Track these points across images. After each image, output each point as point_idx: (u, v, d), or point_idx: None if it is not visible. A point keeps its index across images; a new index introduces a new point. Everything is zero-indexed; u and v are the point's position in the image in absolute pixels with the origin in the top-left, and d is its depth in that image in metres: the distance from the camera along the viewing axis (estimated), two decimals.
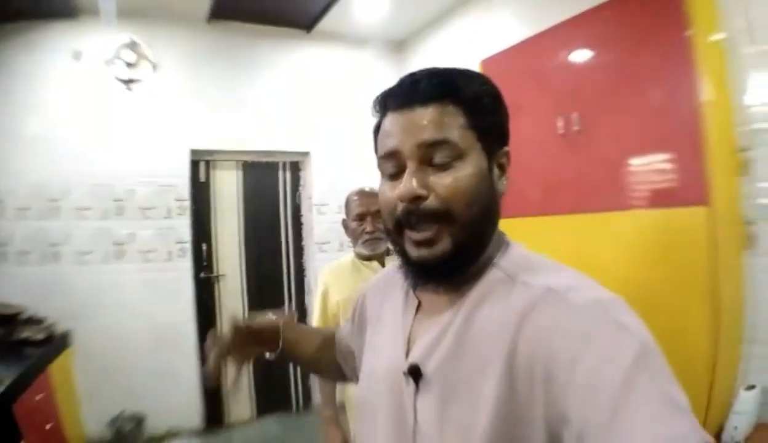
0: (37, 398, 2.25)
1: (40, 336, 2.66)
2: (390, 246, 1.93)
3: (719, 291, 1.66)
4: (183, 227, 3.39)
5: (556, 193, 2.17)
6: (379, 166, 0.72)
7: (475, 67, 2.62)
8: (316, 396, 3.85)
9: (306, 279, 3.98)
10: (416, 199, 0.65)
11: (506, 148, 0.72)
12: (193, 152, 3.49)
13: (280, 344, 0.93)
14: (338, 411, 1.90)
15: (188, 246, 3.41)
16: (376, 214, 1.84)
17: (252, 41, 3.75)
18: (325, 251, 3.94)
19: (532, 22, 2.79)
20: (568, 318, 0.56)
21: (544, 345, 0.57)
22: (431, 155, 0.65)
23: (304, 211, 4.00)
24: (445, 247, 0.65)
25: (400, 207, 0.67)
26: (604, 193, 2.00)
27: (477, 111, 0.67)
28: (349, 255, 2.00)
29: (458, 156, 0.65)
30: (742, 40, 1.84)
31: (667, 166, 1.82)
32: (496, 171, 0.70)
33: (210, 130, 3.54)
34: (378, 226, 1.86)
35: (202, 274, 3.52)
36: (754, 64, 1.83)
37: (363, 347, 0.88)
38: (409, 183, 0.65)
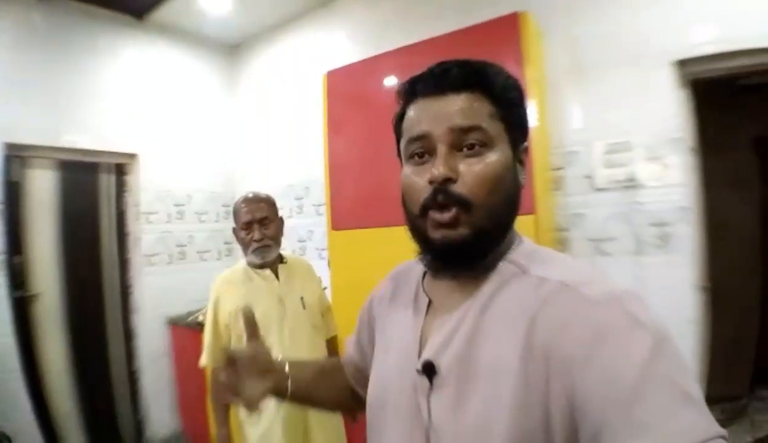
0: None
1: None
2: (282, 254, 2.09)
3: None
4: None
5: (392, 205, 2.50)
6: (405, 149, 0.76)
7: (316, 80, 2.90)
8: (150, 429, 3.69)
9: (132, 297, 3.72)
10: (446, 181, 0.68)
11: (526, 144, 0.77)
12: (7, 146, 3.03)
13: (289, 386, 0.91)
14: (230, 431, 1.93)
15: (2, 258, 2.94)
16: (262, 221, 1.92)
17: (80, 24, 3.44)
18: (154, 264, 3.77)
19: (365, 45, 3.20)
20: (583, 313, 0.59)
21: (559, 341, 0.59)
22: (461, 141, 0.69)
23: (129, 219, 3.74)
24: (465, 230, 0.68)
25: (428, 190, 0.70)
26: None
27: (505, 102, 0.72)
28: (240, 263, 2.04)
29: (487, 143, 0.70)
30: (565, 77, 2.45)
31: None
32: (517, 164, 0.75)
33: (25, 121, 3.12)
34: (266, 233, 1.93)
35: (18, 293, 3.04)
36: (573, 97, 2.44)
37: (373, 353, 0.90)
38: (440, 166, 0.68)
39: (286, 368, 0.93)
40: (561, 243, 2.44)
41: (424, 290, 0.82)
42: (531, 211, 2.08)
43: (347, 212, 2.71)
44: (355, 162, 2.66)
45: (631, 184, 2.28)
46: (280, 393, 0.91)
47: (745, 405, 2.93)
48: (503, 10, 2.21)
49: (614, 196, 2.32)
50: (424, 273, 0.85)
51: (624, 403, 0.51)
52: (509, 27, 2.18)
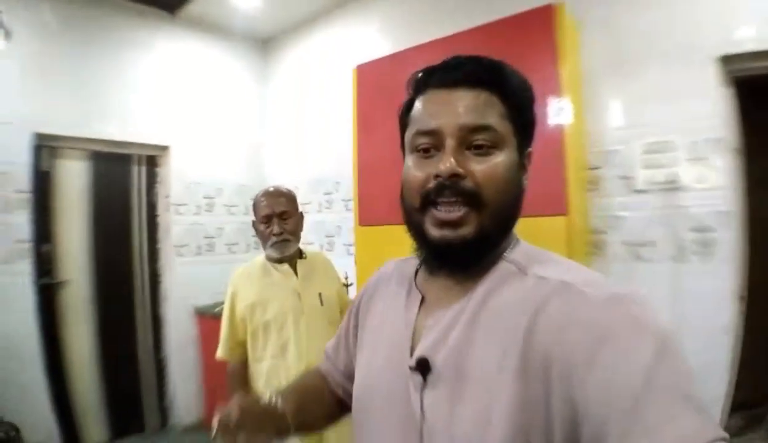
0: None
1: None
2: (302, 249, 2.10)
3: None
4: (23, 224, 3.03)
5: None
6: (410, 141, 0.75)
7: (346, 74, 2.91)
8: (174, 416, 3.79)
9: (161, 286, 3.83)
10: (454, 176, 0.67)
11: (530, 149, 0.76)
12: (38, 136, 3.14)
13: (291, 423, 0.84)
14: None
15: (29, 246, 3.05)
16: (282, 215, 1.93)
17: (113, 18, 3.55)
18: (182, 255, 3.87)
19: (396, 39, 3.19)
20: (585, 314, 0.58)
21: (561, 341, 0.58)
22: (471, 139, 0.68)
23: (160, 210, 3.85)
24: (469, 231, 0.67)
25: (433, 182, 0.69)
26: None
27: (517, 104, 0.71)
28: (259, 257, 2.04)
29: (496, 144, 0.69)
30: (603, 72, 2.38)
31: (534, 180, 2.27)
32: (521, 169, 0.74)
33: (57, 112, 3.24)
34: (285, 227, 1.93)
35: (44, 280, 3.15)
36: (611, 94, 2.38)
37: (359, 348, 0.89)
38: (449, 161, 0.67)
39: (279, 404, 0.85)
40: (597, 247, 2.38)
41: (417, 286, 0.81)
42: (563, 212, 2.00)
43: (375, 208, 2.70)
44: (384, 157, 2.64)
45: (672, 185, 2.20)
46: (282, 432, 0.84)
47: (764, 413, 2.86)
48: (538, 2, 2.16)
49: (654, 199, 2.25)
50: (417, 270, 0.84)
51: (627, 407, 0.51)
52: (544, 19, 2.14)
